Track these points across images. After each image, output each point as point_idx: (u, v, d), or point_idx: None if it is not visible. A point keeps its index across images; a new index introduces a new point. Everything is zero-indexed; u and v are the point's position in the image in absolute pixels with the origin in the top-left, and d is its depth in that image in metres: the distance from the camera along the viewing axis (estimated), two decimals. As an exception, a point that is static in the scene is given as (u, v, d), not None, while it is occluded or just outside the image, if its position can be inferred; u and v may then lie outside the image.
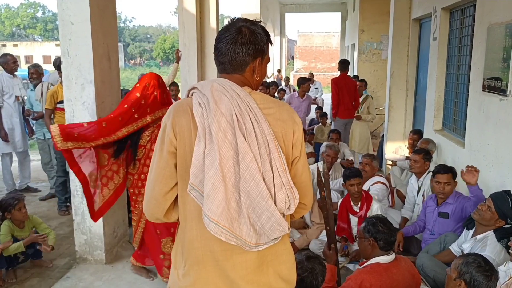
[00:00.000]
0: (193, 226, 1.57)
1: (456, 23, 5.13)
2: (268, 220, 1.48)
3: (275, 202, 1.49)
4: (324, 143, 5.73)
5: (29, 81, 6.18)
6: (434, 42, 5.63)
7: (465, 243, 3.35)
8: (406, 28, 6.88)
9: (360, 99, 7.74)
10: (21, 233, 3.96)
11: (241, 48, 1.58)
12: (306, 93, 8.23)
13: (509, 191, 3.17)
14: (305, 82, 8.13)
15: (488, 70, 3.90)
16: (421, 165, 4.49)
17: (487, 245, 3.09)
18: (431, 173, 4.49)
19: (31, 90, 5.88)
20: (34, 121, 6.19)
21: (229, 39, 1.59)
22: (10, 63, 5.95)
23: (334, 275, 3.11)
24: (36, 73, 5.91)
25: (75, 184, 3.97)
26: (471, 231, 3.35)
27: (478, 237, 3.22)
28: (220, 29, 1.66)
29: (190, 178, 1.49)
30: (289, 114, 1.62)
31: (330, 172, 5.35)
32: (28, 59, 45.66)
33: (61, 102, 5.08)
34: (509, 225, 3.13)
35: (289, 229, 1.57)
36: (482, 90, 4.02)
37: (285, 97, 9.79)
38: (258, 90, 1.68)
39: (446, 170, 3.86)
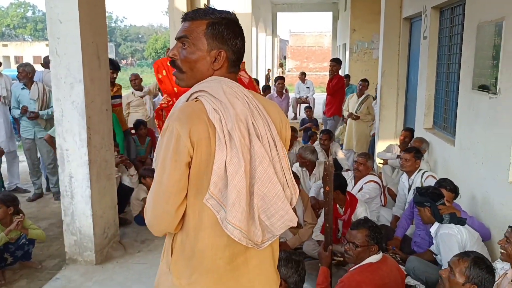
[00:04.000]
0: (205, 236, 1.53)
1: (446, 21, 5.15)
2: (280, 218, 1.51)
3: None
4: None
5: (17, 80, 6.11)
6: (424, 41, 5.65)
7: (434, 242, 3.50)
8: (397, 27, 6.91)
9: (361, 99, 7.79)
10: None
11: None
12: (284, 92, 8.23)
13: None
14: (277, 81, 8.19)
15: (477, 69, 3.92)
16: (412, 164, 4.51)
17: (439, 231, 3.34)
18: (422, 171, 4.52)
19: (22, 88, 5.81)
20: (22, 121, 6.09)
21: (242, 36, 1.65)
22: None
23: (327, 277, 3.11)
24: (23, 73, 5.83)
25: (64, 184, 3.94)
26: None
27: (432, 230, 3.44)
28: (229, 22, 1.58)
29: (210, 187, 1.45)
30: (281, 112, 1.69)
31: (314, 172, 5.35)
32: (18, 59, 45.19)
33: None
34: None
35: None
36: (472, 89, 4.04)
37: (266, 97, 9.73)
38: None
39: (451, 189, 3.75)
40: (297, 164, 5.53)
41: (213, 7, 1.64)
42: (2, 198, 3.94)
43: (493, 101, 3.61)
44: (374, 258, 2.84)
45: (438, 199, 3.44)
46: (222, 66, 1.59)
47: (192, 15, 1.59)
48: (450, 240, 3.22)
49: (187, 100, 1.55)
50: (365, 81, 7.98)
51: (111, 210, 4.29)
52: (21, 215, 3.98)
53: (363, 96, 7.82)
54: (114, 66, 5.50)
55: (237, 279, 1.60)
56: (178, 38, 1.60)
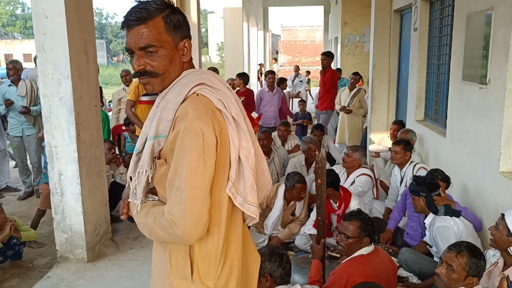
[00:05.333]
0: (226, 229, 1.53)
1: (436, 13, 5.14)
2: (263, 189, 1.68)
3: None
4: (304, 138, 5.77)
5: (7, 77, 6.04)
6: (415, 32, 5.64)
7: (426, 234, 3.49)
8: (387, 19, 6.89)
9: (353, 92, 7.79)
10: None
11: None
12: (276, 86, 8.18)
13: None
14: (267, 75, 8.16)
15: (467, 59, 3.92)
16: (402, 156, 4.49)
17: (435, 222, 3.30)
18: (413, 163, 4.52)
19: (9, 85, 5.77)
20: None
21: None
22: None
23: (320, 270, 3.10)
24: (13, 69, 5.78)
25: (54, 181, 3.89)
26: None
27: (427, 221, 3.43)
28: (173, 6, 1.52)
29: (232, 175, 1.48)
30: None
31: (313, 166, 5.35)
32: (8, 57, 44.79)
33: (145, 95, 5.09)
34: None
35: None
36: (462, 79, 4.04)
37: (256, 92, 9.58)
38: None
39: (443, 179, 3.74)
40: (300, 156, 5.52)
41: None
42: None
43: (483, 91, 3.61)
44: (365, 250, 2.84)
45: (434, 190, 3.41)
46: (189, 56, 1.56)
47: (141, 17, 1.45)
48: (447, 232, 3.19)
49: (185, 98, 1.48)
50: (356, 75, 7.97)
51: (102, 207, 4.26)
52: (12, 218, 3.92)
53: (355, 90, 7.82)
54: None
55: (247, 258, 1.67)
56: (141, 48, 1.46)
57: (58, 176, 3.87)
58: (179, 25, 1.50)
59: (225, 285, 1.54)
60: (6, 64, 5.95)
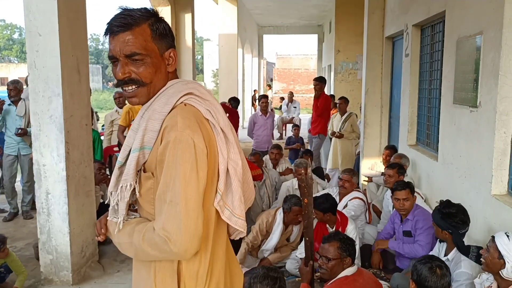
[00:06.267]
0: (212, 244, 1.49)
1: (427, 39, 5.22)
2: (247, 200, 1.62)
3: None
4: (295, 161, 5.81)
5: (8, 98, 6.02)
6: (406, 58, 5.72)
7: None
8: (379, 46, 6.99)
9: (344, 117, 7.83)
10: None
11: None
12: (269, 110, 8.26)
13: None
14: (261, 99, 8.26)
15: (458, 83, 3.95)
16: (396, 179, 4.47)
17: (461, 261, 2.98)
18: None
19: (9, 104, 5.77)
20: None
21: None
22: None
23: None
24: (14, 90, 5.78)
25: (41, 201, 3.82)
26: (444, 244, 3.26)
27: (450, 256, 3.12)
28: (157, 14, 1.48)
29: (220, 187, 1.44)
30: None
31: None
32: (3, 80, 44.94)
33: None
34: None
35: None
36: (453, 103, 4.06)
37: (249, 116, 9.63)
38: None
39: (403, 186, 3.81)
40: (293, 180, 5.49)
41: (125, 5, 1.45)
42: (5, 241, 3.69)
43: (474, 114, 3.63)
44: (349, 271, 2.80)
45: (463, 228, 3.07)
46: (174, 66, 1.53)
47: (127, 23, 1.40)
48: (469, 283, 2.87)
49: (172, 108, 1.43)
50: (341, 99, 8.03)
51: (90, 228, 4.16)
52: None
53: (346, 114, 7.87)
54: None
55: (231, 274, 1.61)
56: (127, 56, 1.41)
57: (45, 195, 3.80)
58: (165, 33, 1.47)
59: None
60: (7, 85, 5.97)
